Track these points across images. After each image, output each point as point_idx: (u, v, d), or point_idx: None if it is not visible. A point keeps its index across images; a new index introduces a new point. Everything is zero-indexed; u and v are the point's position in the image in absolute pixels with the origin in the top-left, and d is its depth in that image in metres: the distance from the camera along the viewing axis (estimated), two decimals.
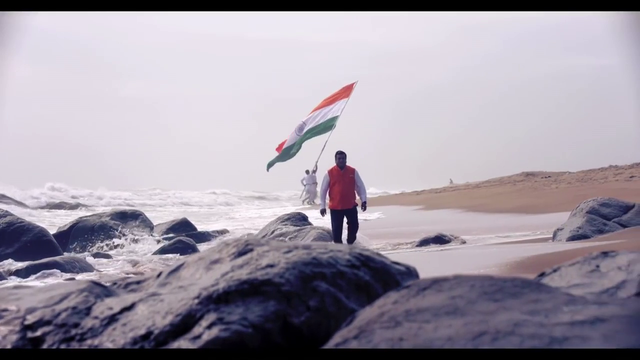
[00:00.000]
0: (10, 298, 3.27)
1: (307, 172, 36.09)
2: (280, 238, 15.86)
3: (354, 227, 13.64)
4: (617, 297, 3.03)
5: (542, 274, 3.48)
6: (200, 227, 22.02)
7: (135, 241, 17.91)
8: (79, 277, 11.71)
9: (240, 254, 3.44)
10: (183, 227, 19.74)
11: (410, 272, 3.52)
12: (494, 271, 8.75)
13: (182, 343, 2.88)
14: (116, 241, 17.47)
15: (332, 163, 13.84)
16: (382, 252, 12.70)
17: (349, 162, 13.82)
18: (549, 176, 41.54)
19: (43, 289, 3.39)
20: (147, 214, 23.43)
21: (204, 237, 18.96)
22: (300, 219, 18.01)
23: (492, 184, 43.48)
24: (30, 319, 3.08)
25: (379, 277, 3.38)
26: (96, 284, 3.38)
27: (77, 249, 17.08)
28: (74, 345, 2.98)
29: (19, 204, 39.28)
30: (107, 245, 17.21)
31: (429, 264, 10.55)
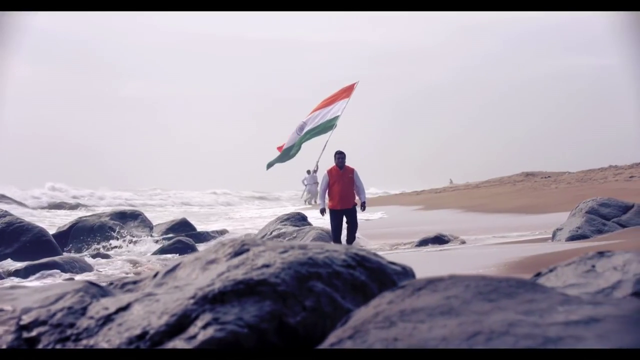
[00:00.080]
0: (6, 298, 3.28)
1: (309, 172, 36.07)
2: (279, 239, 15.86)
3: (353, 227, 13.64)
4: (612, 297, 3.03)
5: (539, 274, 3.48)
6: (200, 228, 22.02)
7: (135, 241, 17.91)
8: (78, 277, 11.71)
9: (237, 254, 3.45)
10: (182, 227, 19.74)
11: (406, 272, 3.52)
12: (492, 271, 8.75)
13: (178, 343, 2.88)
14: (115, 241, 17.46)
15: (333, 163, 13.85)
16: (381, 252, 12.72)
17: (349, 162, 13.83)
18: (549, 176, 41.55)
19: (39, 289, 3.39)
20: (147, 214, 23.43)
21: (204, 237, 18.96)
22: (299, 219, 18.01)
23: (492, 184, 43.50)
24: (26, 319, 3.08)
25: (375, 277, 3.38)
26: (92, 284, 3.38)
27: (77, 249, 17.08)
28: (70, 345, 2.98)
29: (19, 204, 39.29)
30: (106, 245, 17.21)
31: (428, 264, 10.55)
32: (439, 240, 14.63)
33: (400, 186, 62.32)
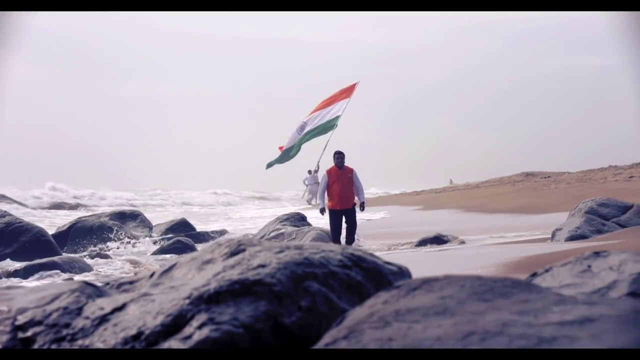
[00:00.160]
0: (2, 298, 3.28)
1: (310, 171, 36.03)
2: (278, 239, 15.86)
3: (352, 227, 13.63)
4: (608, 297, 3.03)
5: (534, 274, 3.48)
6: (200, 228, 22.03)
7: (134, 241, 17.91)
8: (77, 277, 11.72)
9: (233, 254, 3.45)
10: (182, 227, 19.75)
11: (402, 272, 3.51)
12: (491, 271, 8.75)
13: (173, 343, 2.88)
14: (115, 242, 17.46)
15: (333, 163, 13.85)
16: (380, 253, 12.71)
17: (349, 162, 13.84)
18: (549, 176, 41.55)
19: (35, 289, 3.39)
20: (147, 214, 23.44)
21: (203, 237, 18.96)
22: (299, 219, 18.01)
23: (492, 184, 43.50)
24: (21, 319, 3.08)
25: (371, 277, 3.38)
26: (88, 284, 3.38)
27: (76, 249, 17.08)
28: (65, 345, 2.98)
29: (20, 204, 39.28)
30: (105, 245, 17.21)
31: (427, 265, 10.55)
32: (438, 240, 14.63)
33: (400, 186, 62.37)
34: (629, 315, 2.50)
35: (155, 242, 17.97)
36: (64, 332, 3.02)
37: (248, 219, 32.25)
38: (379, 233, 18.76)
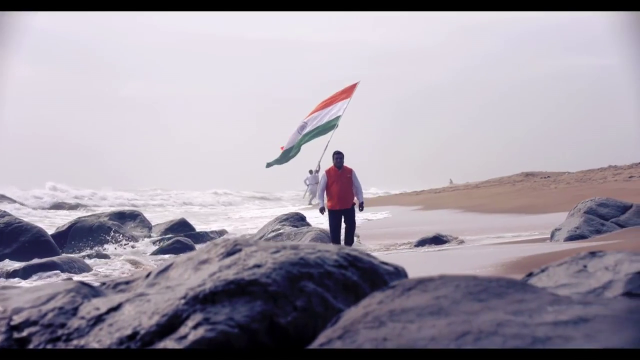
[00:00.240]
0: None
1: (311, 171, 36.01)
2: (277, 239, 15.85)
3: (351, 228, 13.63)
4: (603, 297, 3.03)
5: (530, 274, 3.48)
6: (200, 228, 22.03)
7: (133, 241, 17.90)
8: (76, 277, 11.72)
9: (229, 254, 3.45)
10: (181, 227, 19.74)
11: (398, 272, 3.51)
12: (490, 271, 8.75)
13: (168, 343, 2.88)
14: (114, 242, 17.46)
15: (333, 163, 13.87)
16: (379, 253, 12.69)
17: (349, 163, 13.85)
18: (548, 176, 41.55)
19: (30, 290, 3.39)
20: (147, 214, 23.43)
21: (202, 237, 18.94)
22: (298, 219, 17.99)
23: (492, 184, 43.50)
24: (17, 319, 3.08)
25: (367, 277, 3.38)
26: (84, 284, 3.38)
27: (75, 249, 17.08)
28: (60, 345, 2.98)
29: (20, 204, 39.27)
30: (105, 245, 17.21)
31: (426, 265, 10.55)
32: (438, 240, 14.63)
33: (400, 186, 62.39)
34: (624, 315, 2.50)
35: (154, 243, 17.97)
36: (60, 332, 3.03)
37: (248, 219, 32.25)
38: (379, 233, 18.76)
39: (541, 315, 2.55)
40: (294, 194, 60.84)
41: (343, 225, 13.62)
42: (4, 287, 3.56)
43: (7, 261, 14.23)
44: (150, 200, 51.39)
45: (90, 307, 3.13)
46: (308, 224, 17.95)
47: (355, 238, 15.27)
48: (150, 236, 19.29)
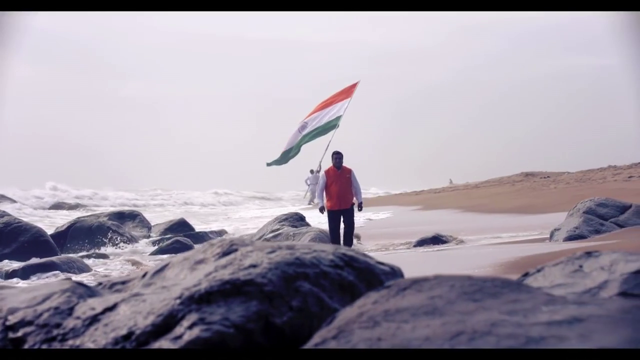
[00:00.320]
0: None
1: (312, 171, 35.99)
2: (277, 239, 15.85)
3: (350, 228, 13.63)
4: (598, 297, 3.03)
5: (526, 274, 3.48)
6: (200, 228, 22.04)
7: (133, 242, 17.91)
8: (75, 277, 11.72)
9: (225, 254, 3.45)
10: (181, 227, 19.75)
11: (394, 272, 3.51)
12: (488, 271, 8.75)
13: (163, 343, 2.88)
14: (113, 242, 17.46)
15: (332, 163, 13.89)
16: (378, 253, 12.68)
17: (349, 163, 13.87)
18: (548, 176, 41.56)
19: (26, 290, 3.39)
20: (147, 214, 23.43)
21: (202, 237, 18.95)
22: (297, 219, 17.98)
23: (491, 184, 43.50)
24: (12, 319, 3.08)
25: (363, 277, 3.38)
26: (79, 284, 3.39)
27: (75, 249, 17.08)
28: (56, 345, 2.98)
29: (20, 204, 39.27)
30: (104, 245, 17.22)
31: (425, 265, 10.56)
32: (437, 240, 14.63)
33: (400, 186, 62.38)
34: (618, 315, 2.50)
35: (153, 243, 17.97)
36: (55, 332, 3.03)
37: (248, 219, 32.25)
38: (378, 233, 18.76)
39: (536, 315, 2.55)
40: (295, 194, 60.84)
41: (342, 225, 13.63)
42: (1, 287, 3.57)
43: (6, 261, 14.24)
44: (150, 200, 51.40)
45: (86, 307, 3.13)
46: (307, 224, 17.95)
47: (355, 239, 15.28)
48: (149, 236, 19.30)
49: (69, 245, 17.37)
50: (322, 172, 13.96)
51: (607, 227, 13.36)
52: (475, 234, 16.26)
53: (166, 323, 2.95)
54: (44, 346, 2.99)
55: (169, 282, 3.36)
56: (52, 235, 16.88)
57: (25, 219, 18.53)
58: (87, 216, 20.10)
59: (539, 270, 3.41)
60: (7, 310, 3.13)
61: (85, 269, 12.87)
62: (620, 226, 13.47)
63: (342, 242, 13.41)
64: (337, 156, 13.75)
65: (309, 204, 38.30)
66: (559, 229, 13.53)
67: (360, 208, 13.92)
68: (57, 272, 12.23)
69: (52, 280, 11.16)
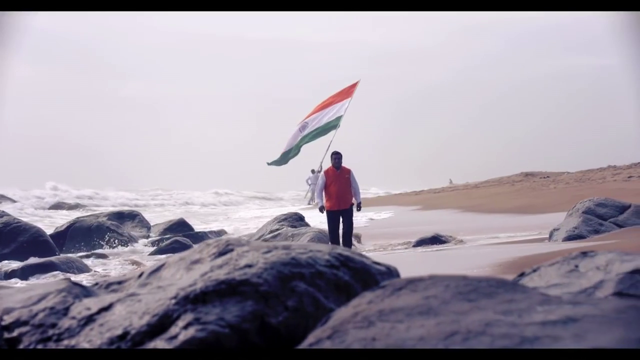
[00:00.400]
0: None
1: (313, 171, 35.95)
2: (276, 239, 15.85)
3: (348, 227, 13.62)
4: (594, 297, 3.03)
5: (522, 274, 3.48)
6: (200, 228, 22.04)
7: (132, 242, 17.90)
8: (74, 277, 11.72)
9: (221, 254, 3.45)
10: (180, 227, 19.74)
11: (390, 272, 3.51)
12: (487, 271, 8.75)
13: (159, 343, 2.88)
14: (113, 242, 17.46)
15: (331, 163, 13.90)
16: (377, 253, 12.66)
17: (350, 162, 13.88)
18: (548, 176, 41.54)
19: (22, 289, 3.39)
20: (147, 214, 23.43)
21: (201, 237, 18.93)
22: (297, 219, 17.97)
23: (491, 184, 43.49)
24: (7, 319, 3.08)
25: (359, 277, 3.38)
26: (75, 284, 3.39)
27: (74, 249, 17.09)
28: (51, 345, 2.98)
29: (20, 204, 39.28)
30: (103, 245, 17.22)
31: (423, 265, 10.56)
32: (436, 240, 14.62)
33: (400, 186, 62.32)
34: (613, 315, 2.50)
35: (153, 243, 17.97)
36: (50, 332, 3.03)
37: (248, 219, 32.23)
38: (378, 233, 18.76)
39: (530, 315, 2.55)
40: (295, 194, 60.82)
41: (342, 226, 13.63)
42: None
43: (5, 261, 14.24)
44: (151, 201, 51.41)
45: (81, 307, 3.13)
46: (307, 224, 17.94)
47: (355, 240, 15.29)
48: (149, 236, 19.30)
49: (68, 245, 17.38)
50: (321, 172, 13.98)
51: (606, 227, 13.35)
52: (475, 234, 16.26)
53: (161, 323, 2.95)
54: (39, 346, 2.99)
55: (165, 282, 3.36)
56: (51, 235, 16.89)
57: (25, 219, 18.54)
58: (87, 216, 20.10)
59: (534, 270, 3.41)
60: (2, 310, 3.13)
61: (84, 269, 12.87)
62: (620, 226, 13.46)
63: (341, 244, 13.40)
64: (336, 156, 13.76)
65: (309, 203, 38.28)
66: (558, 229, 13.52)
67: (359, 208, 13.92)
68: (57, 272, 12.23)
69: (49, 280, 11.17)
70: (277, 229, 16.93)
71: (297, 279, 3.18)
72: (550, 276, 3.30)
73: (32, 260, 12.98)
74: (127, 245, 17.49)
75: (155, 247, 16.83)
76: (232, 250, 3.44)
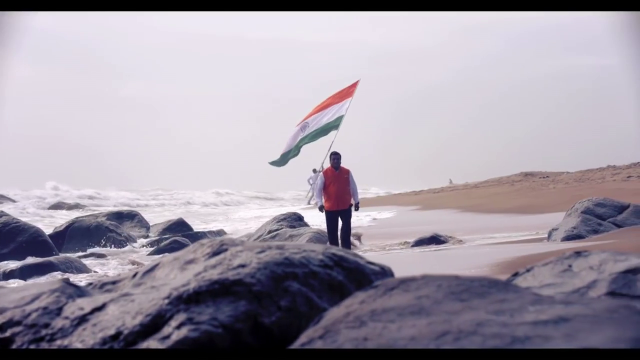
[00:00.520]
0: None
1: (314, 170, 35.89)
2: (275, 240, 15.84)
3: (347, 228, 13.62)
4: (587, 296, 3.03)
5: (516, 274, 3.48)
6: (200, 228, 22.04)
7: (131, 241, 17.91)
8: (73, 277, 11.72)
9: (215, 254, 3.44)
10: (179, 227, 19.75)
11: (384, 272, 3.51)
12: (485, 271, 8.76)
13: (151, 343, 2.88)
14: (112, 241, 17.46)
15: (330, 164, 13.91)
16: (376, 253, 12.66)
17: (350, 163, 13.91)
18: (547, 176, 41.54)
19: (16, 290, 3.40)
20: (147, 214, 23.43)
21: (200, 237, 18.95)
22: (295, 219, 17.97)
23: (491, 184, 43.49)
24: (0, 319, 3.08)
25: (353, 277, 3.38)
26: (69, 284, 3.38)
27: (73, 249, 17.09)
28: (44, 345, 2.98)
29: (21, 204, 39.29)
30: (102, 245, 17.22)
31: (422, 265, 10.56)
32: (435, 240, 14.62)
33: (400, 186, 62.31)
34: (604, 315, 2.50)
35: (152, 243, 17.97)
36: (43, 332, 3.03)
37: (248, 219, 32.24)
38: (378, 233, 18.76)
39: (522, 315, 2.55)
40: (296, 194, 60.84)
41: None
42: None
43: (4, 262, 14.24)
44: (152, 200, 51.43)
45: (75, 307, 3.13)
46: (306, 224, 17.94)
47: (356, 240, 15.30)
48: (147, 236, 19.31)
49: (67, 245, 17.38)
50: (320, 173, 14.00)
51: (605, 227, 13.36)
52: (474, 234, 16.26)
53: (154, 323, 2.95)
54: (32, 346, 2.99)
55: (159, 282, 3.36)
56: (50, 235, 16.89)
57: (26, 219, 18.55)
58: (86, 216, 20.11)
59: (528, 270, 3.41)
60: None
61: (83, 269, 12.87)
62: (618, 226, 13.47)
63: (340, 244, 13.41)
64: (335, 157, 13.77)
65: (309, 203, 38.27)
66: (557, 229, 13.52)
67: (356, 208, 13.93)
68: (57, 272, 12.23)
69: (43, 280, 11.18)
70: (276, 229, 16.93)
71: (291, 278, 3.18)
72: (544, 276, 3.30)
73: (30, 260, 12.99)
74: (126, 245, 17.50)
75: (154, 247, 16.83)
76: (226, 250, 3.44)
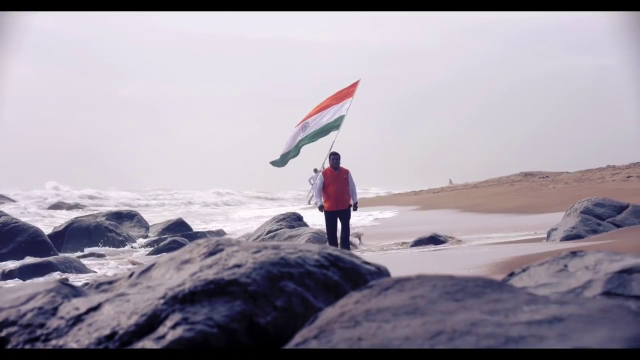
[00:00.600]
0: None
1: (316, 170, 35.88)
2: (274, 240, 15.84)
3: (346, 228, 13.63)
4: (582, 296, 3.03)
5: (512, 274, 3.48)
6: (200, 227, 22.04)
7: (130, 241, 17.90)
8: (72, 277, 11.72)
9: (211, 254, 3.45)
10: (178, 227, 19.75)
11: (380, 272, 3.51)
12: (484, 271, 8.76)
13: (147, 343, 2.88)
14: (111, 241, 17.46)
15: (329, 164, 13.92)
16: (374, 253, 12.66)
17: (350, 163, 13.92)
18: (547, 176, 41.54)
19: (11, 289, 3.40)
20: (147, 214, 23.44)
21: (199, 237, 18.94)
22: (295, 219, 17.96)
23: (490, 184, 43.49)
24: None
25: (349, 277, 3.38)
26: (65, 284, 3.38)
27: (72, 249, 17.10)
28: (39, 345, 2.98)
29: (21, 204, 39.30)
30: (101, 245, 17.22)
31: (420, 265, 10.56)
32: (434, 240, 14.61)
33: (400, 186, 62.32)
34: (598, 315, 2.50)
35: (151, 243, 17.96)
36: (38, 332, 3.03)
37: (248, 219, 32.24)
38: (378, 233, 18.76)
39: (516, 314, 2.55)
40: (296, 194, 60.88)
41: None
42: None
43: (3, 262, 14.25)
44: (152, 200, 51.45)
45: (70, 307, 3.13)
46: (305, 224, 17.93)
47: (357, 239, 15.30)
48: (147, 236, 19.31)
49: (66, 245, 17.39)
50: (319, 173, 14.02)
51: (604, 227, 13.36)
52: (473, 234, 16.26)
53: (149, 323, 2.95)
54: (27, 346, 2.98)
55: (155, 282, 3.36)
56: (49, 235, 16.90)
57: (25, 219, 18.55)
58: (85, 216, 20.12)
59: (524, 270, 3.41)
60: None
61: (82, 268, 12.87)
62: (618, 226, 13.47)
63: (339, 245, 13.41)
64: (334, 157, 13.79)
65: (309, 203, 38.29)
66: (556, 229, 13.52)
67: (355, 208, 13.94)
68: (56, 272, 12.23)
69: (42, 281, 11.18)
70: (275, 230, 16.92)
71: (286, 278, 3.18)
72: (540, 276, 3.30)
73: (29, 260, 12.98)
74: (125, 245, 17.49)
75: (153, 247, 16.84)
76: (222, 250, 3.44)
